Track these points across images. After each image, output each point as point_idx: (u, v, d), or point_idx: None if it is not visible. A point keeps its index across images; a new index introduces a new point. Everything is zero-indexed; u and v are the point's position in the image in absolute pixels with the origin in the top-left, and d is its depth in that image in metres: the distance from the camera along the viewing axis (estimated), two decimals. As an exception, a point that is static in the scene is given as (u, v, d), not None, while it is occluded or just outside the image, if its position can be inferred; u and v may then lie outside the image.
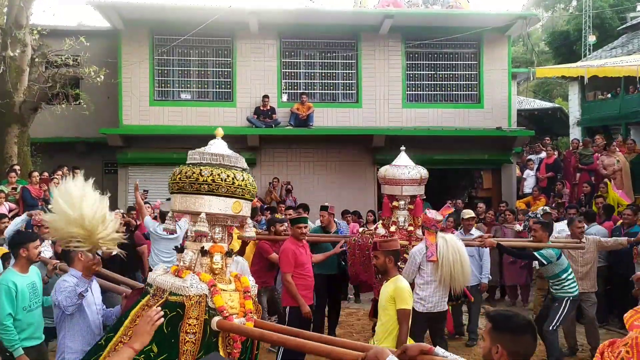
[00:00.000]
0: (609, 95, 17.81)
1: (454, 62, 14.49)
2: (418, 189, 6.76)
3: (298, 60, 14.32)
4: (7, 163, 11.17)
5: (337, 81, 14.38)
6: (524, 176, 13.78)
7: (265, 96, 13.51)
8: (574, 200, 11.26)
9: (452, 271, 5.79)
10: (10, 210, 9.26)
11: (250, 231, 3.83)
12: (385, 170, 6.79)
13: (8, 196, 9.70)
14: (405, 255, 6.39)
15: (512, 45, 16.03)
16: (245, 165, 3.67)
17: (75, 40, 11.48)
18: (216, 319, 3.36)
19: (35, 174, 10.29)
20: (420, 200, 6.84)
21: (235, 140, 13.70)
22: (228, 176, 3.44)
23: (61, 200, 4.00)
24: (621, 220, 8.54)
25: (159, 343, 3.27)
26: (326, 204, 8.53)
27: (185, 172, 3.45)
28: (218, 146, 3.67)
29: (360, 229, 8.12)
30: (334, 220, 8.69)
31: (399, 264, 6.58)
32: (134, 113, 13.67)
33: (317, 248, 7.84)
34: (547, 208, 9.02)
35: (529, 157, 14.54)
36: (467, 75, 14.49)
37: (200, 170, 3.42)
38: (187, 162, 3.63)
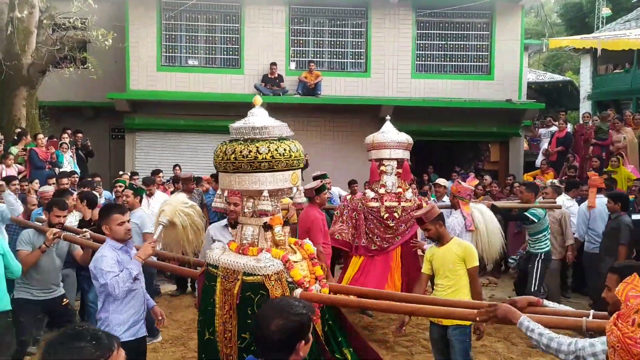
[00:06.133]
0: (622, 70, 17.61)
1: (465, 32, 14.30)
2: (405, 153, 7.00)
3: (307, 28, 14.16)
4: (16, 125, 11.21)
5: (346, 50, 14.23)
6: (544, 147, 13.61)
7: (273, 63, 13.40)
8: (584, 175, 11.22)
9: (488, 241, 5.98)
10: (19, 173, 9.33)
11: (301, 197, 3.75)
12: (373, 137, 7.04)
13: (17, 157, 9.76)
14: (394, 214, 6.59)
15: (525, 16, 15.78)
16: (289, 132, 3.58)
17: (83, 3, 11.37)
18: (298, 291, 3.32)
19: (41, 136, 10.32)
20: (407, 164, 7.05)
21: (242, 108, 13.62)
22: (285, 150, 3.35)
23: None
24: (633, 196, 8.58)
25: None
26: (319, 172, 8.30)
27: (241, 152, 3.29)
28: (262, 117, 3.53)
29: (348, 196, 8.05)
30: None
31: (404, 227, 6.75)
32: (141, 78, 13.61)
33: None
34: (555, 181, 9.01)
35: (540, 130, 14.46)
36: (478, 46, 14.31)
37: (257, 148, 3.29)
38: (233, 136, 3.50)
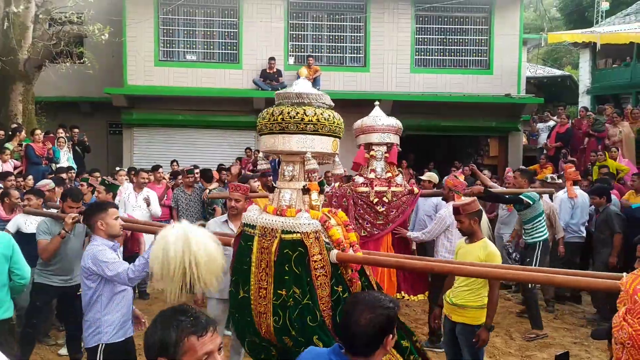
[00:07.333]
0: (622, 64, 17.55)
1: (464, 27, 14.24)
2: (394, 138, 6.80)
3: (305, 22, 14.08)
4: (12, 121, 11.15)
5: (344, 44, 14.16)
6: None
7: (272, 58, 13.33)
8: (582, 169, 11.19)
9: None
10: (15, 168, 9.28)
11: (340, 168, 3.85)
12: (361, 121, 6.85)
13: (13, 153, 9.70)
14: (384, 199, 6.46)
15: (524, 11, 15.72)
16: (331, 102, 3.70)
17: (80, -3, 11.31)
18: (334, 252, 3.39)
19: (38, 131, 10.26)
20: (396, 149, 6.83)
21: (240, 103, 13.60)
22: (329, 115, 3.50)
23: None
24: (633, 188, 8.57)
25: (297, 284, 3.32)
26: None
27: (289, 113, 3.41)
28: (306, 85, 3.66)
29: (337, 185, 7.92)
30: None
31: (396, 213, 6.66)
32: (139, 73, 13.54)
33: None
34: (555, 176, 8.96)
35: (538, 125, 14.41)
36: (477, 41, 14.25)
37: (304, 110, 3.42)
38: (278, 101, 3.60)
